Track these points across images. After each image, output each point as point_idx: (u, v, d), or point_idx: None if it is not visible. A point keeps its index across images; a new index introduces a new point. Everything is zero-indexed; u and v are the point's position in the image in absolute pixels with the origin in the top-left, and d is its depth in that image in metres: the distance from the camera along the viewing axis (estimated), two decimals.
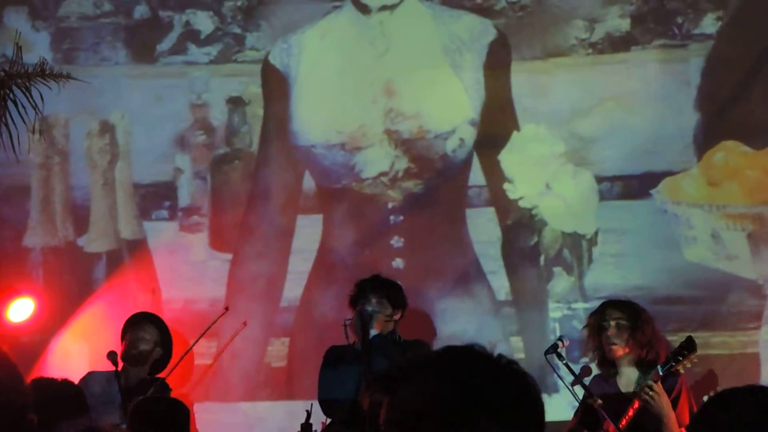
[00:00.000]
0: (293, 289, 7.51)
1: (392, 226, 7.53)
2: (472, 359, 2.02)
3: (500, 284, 7.42)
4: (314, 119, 7.64)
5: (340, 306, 6.60)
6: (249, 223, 7.60)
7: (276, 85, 7.70)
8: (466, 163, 7.55)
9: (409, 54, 7.63)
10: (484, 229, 7.50)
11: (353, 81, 7.63)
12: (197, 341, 6.63)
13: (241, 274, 7.54)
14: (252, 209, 7.62)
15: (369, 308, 5.85)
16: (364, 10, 7.71)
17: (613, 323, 5.27)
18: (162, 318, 6.57)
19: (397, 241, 7.51)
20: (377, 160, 7.54)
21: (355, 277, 6.33)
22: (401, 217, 7.53)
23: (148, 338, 6.26)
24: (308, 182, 7.64)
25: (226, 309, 6.86)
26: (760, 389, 2.58)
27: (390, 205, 7.54)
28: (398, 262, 7.47)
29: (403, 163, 7.53)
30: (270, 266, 7.53)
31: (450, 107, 7.57)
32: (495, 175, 7.50)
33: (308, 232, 7.58)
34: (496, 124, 7.54)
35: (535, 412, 2.01)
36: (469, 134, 7.53)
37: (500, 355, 2.04)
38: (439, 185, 7.54)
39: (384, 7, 7.68)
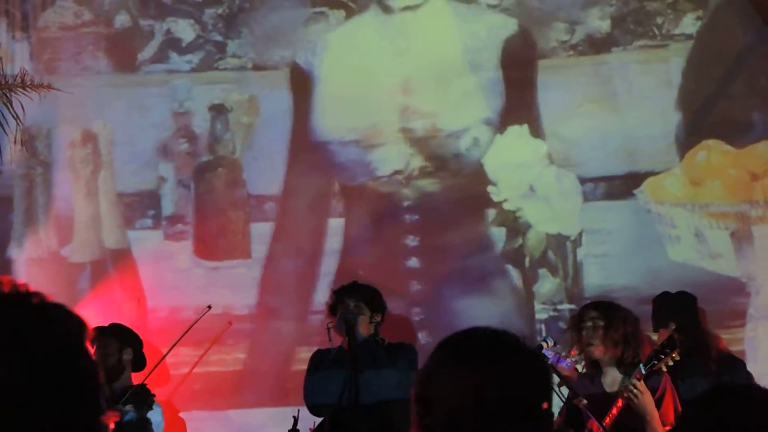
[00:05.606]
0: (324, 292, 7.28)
1: (407, 225, 7.51)
2: (506, 349, 1.99)
3: None
4: (329, 115, 7.61)
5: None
6: (281, 224, 7.56)
7: (301, 84, 7.66)
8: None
9: (428, 53, 7.59)
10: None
11: (370, 79, 7.60)
12: (177, 342, 6.57)
13: (274, 275, 7.50)
14: (284, 209, 7.57)
15: (351, 312, 5.84)
16: (387, 10, 7.69)
17: (589, 324, 5.29)
18: (126, 325, 6.42)
19: (412, 240, 7.48)
20: (392, 158, 7.51)
21: (372, 279, 6.26)
22: (416, 216, 7.51)
23: (109, 352, 6.19)
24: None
25: (209, 307, 6.84)
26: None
27: (405, 204, 7.52)
28: (413, 261, 7.45)
29: (418, 162, 7.51)
30: (302, 267, 7.48)
31: (464, 106, 7.55)
32: None
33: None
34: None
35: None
36: (485, 133, 7.52)
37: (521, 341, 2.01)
38: (456, 185, 7.51)
39: (407, 8, 7.65)
